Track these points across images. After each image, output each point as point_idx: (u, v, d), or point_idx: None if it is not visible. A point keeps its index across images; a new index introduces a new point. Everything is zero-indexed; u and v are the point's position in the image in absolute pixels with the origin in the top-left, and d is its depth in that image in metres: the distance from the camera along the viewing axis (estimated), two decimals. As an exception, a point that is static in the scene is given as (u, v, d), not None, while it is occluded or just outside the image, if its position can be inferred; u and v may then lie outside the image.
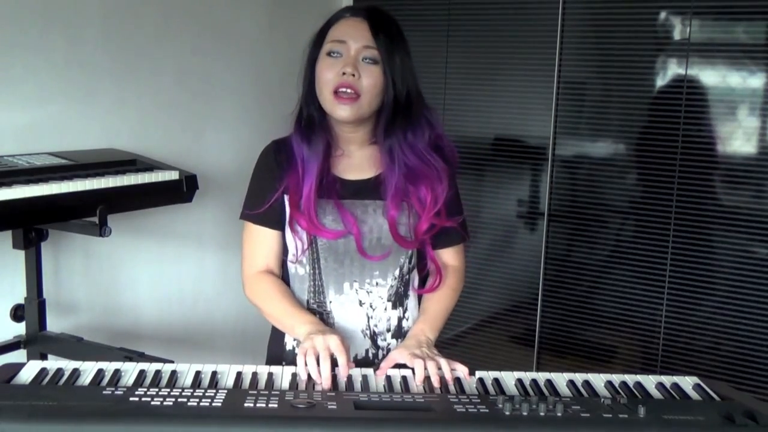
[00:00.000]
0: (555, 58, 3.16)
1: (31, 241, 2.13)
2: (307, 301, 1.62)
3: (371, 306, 1.62)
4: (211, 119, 2.95)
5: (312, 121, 1.58)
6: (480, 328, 3.47)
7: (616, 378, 1.41)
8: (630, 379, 1.41)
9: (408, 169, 1.57)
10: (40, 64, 2.29)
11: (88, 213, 2.03)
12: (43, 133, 2.31)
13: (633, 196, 3.11)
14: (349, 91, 1.50)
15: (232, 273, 3.10)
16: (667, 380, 1.40)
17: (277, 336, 1.68)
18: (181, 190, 2.29)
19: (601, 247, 3.21)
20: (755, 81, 2.85)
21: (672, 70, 2.98)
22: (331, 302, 1.61)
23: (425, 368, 1.39)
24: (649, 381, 1.41)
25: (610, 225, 3.19)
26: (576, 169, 3.23)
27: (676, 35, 2.97)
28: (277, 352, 1.67)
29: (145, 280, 2.74)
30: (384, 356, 1.61)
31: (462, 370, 1.42)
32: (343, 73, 1.50)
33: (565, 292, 3.28)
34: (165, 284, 2.83)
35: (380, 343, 1.63)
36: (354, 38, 1.52)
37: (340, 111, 1.52)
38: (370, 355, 1.63)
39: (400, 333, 1.64)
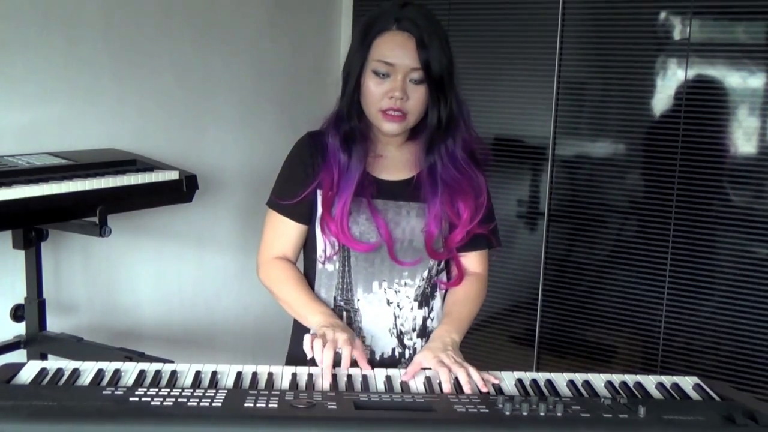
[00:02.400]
0: (555, 58, 3.16)
1: (31, 241, 2.13)
2: (335, 298, 1.63)
3: (398, 305, 1.62)
4: (211, 119, 2.95)
5: (354, 132, 1.58)
6: (480, 328, 3.47)
7: (616, 378, 1.41)
8: (630, 379, 1.41)
9: (447, 185, 1.58)
10: (40, 64, 2.29)
11: (88, 213, 2.03)
12: (43, 133, 2.31)
13: (633, 196, 3.11)
14: (397, 113, 1.52)
15: (232, 273, 3.10)
16: (667, 380, 1.41)
17: (299, 336, 1.67)
18: (181, 190, 2.29)
19: (601, 247, 3.21)
20: (755, 81, 2.85)
21: (672, 70, 2.97)
22: (359, 300, 1.61)
23: (451, 376, 1.37)
24: (649, 381, 1.41)
25: (610, 225, 3.19)
26: (576, 169, 3.23)
27: (676, 35, 2.97)
28: (299, 352, 1.67)
29: (145, 280, 2.74)
30: (411, 355, 1.62)
31: (489, 378, 1.39)
32: (391, 97, 1.51)
33: (565, 292, 3.28)
34: (165, 284, 2.83)
35: (406, 342, 1.63)
36: (401, 59, 1.50)
37: (387, 127, 1.55)
38: (397, 354, 1.63)
39: (425, 332, 1.65)
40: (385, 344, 1.61)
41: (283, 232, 1.64)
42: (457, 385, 1.37)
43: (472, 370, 1.39)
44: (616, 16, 3.06)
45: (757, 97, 2.84)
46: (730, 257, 2.94)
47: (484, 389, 1.35)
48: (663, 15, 2.98)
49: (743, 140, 2.88)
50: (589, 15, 3.14)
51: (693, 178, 2.95)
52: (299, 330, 1.68)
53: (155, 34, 2.67)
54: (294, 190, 1.59)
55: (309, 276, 1.67)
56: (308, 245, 1.66)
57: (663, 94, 3.01)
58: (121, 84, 2.55)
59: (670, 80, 2.98)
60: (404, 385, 1.37)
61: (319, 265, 1.64)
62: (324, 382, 1.34)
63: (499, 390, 1.36)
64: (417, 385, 1.38)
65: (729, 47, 2.87)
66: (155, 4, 2.66)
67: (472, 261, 1.69)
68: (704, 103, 2.93)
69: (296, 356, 1.67)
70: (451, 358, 1.43)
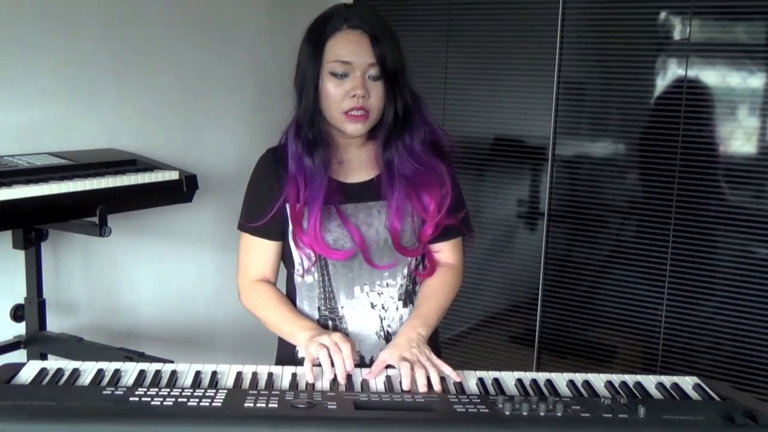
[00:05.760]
0: (555, 58, 3.16)
1: (31, 241, 2.13)
2: (319, 309, 1.62)
3: (383, 307, 1.61)
4: (211, 119, 2.95)
5: (315, 139, 1.56)
6: (480, 328, 3.47)
7: (616, 378, 1.41)
8: (630, 379, 1.41)
9: (408, 180, 1.57)
10: (40, 64, 2.29)
11: (88, 213, 2.03)
12: (43, 133, 2.31)
13: (633, 196, 3.11)
14: (361, 111, 1.51)
15: (232, 273, 3.08)
16: (667, 380, 1.41)
17: (285, 341, 1.67)
18: (181, 190, 2.29)
19: (601, 247, 3.21)
20: (755, 81, 2.85)
21: (672, 70, 2.97)
22: (343, 308, 1.60)
23: (413, 373, 1.37)
24: (649, 381, 1.41)
25: (610, 225, 3.19)
26: (576, 169, 3.23)
27: (676, 35, 2.97)
28: (287, 357, 1.67)
29: (145, 280, 2.74)
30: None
31: (451, 374, 1.39)
32: (353, 96, 1.50)
33: (565, 292, 3.28)
34: (165, 284, 2.83)
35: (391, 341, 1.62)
36: (358, 56, 1.50)
37: (351, 128, 1.53)
38: None
39: None
40: (374, 347, 1.60)
41: (259, 254, 1.62)
42: (456, 384, 1.37)
43: (432, 370, 1.37)
44: (616, 16, 3.06)
45: (757, 97, 2.84)
46: (730, 257, 2.94)
47: (437, 388, 1.34)
48: (663, 15, 2.98)
49: (743, 140, 2.88)
50: (589, 15, 3.14)
51: (693, 178, 2.95)
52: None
53: (155, 34, 2.67)
54: (263, 210, 1.58)
55: (290, 290, 1.66)
56: (285, 260, 1.65)
57: (663, 94, 3.01)
58: (121, 84, 2.55)
59: (670, 80, 2.98)
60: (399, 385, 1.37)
61: (299, 278, 1.63)
62: (340, 382, 1.36)
63: (499, 390, 1.36)
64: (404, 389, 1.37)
65: (729, 47, 2.87)
66: (155, 4, 2.66)
67: (444, 252, 1.68)
68: (704, 103, 2.93)
69: (284, 359, 1.67)
70: (414, 355, 1.42)
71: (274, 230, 1.60)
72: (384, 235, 1.58)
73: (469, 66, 3.37)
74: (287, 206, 1.58)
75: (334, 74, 1.51)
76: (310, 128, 1.55)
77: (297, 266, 1.61)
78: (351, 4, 1.55)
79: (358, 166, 1.62)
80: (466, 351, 3.47)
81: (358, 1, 1.54)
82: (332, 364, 1.38)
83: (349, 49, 1.50)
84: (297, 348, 1.65)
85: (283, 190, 1.57)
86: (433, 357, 1.43)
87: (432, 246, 1.65)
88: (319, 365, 1.39)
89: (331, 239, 1.56)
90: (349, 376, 1.38)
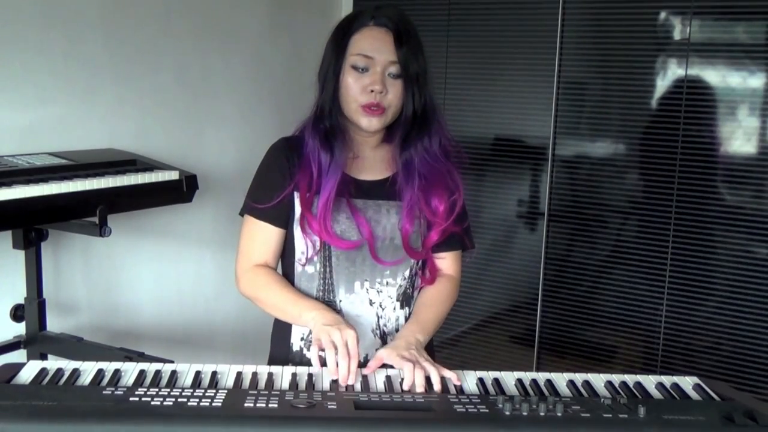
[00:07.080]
0: (555, 58, 3.16)
1: (31, 241, 2.13)
2: (316, 300, 1.62)
3: (381, 305, 1.62)
4: (211, 118, 2.95)
5: (334, 130, 1.58)
6: (480, 328, 3.47)
7: (616, 378, 1.41)
8: (630, 379, 1.41)
9: (426, 179, 1.59)
10: (40, 64, 2.29)
11: (88, 213, 2.03)
12: (43, 133, 2.31)
13: (633, 196, 3.11)
14: (376, 108, 1.53)
15: (231, 273, 3.09)
16: (667, 380, 1.41)
17: (280, 337, 1.67)
18: (181, 190, 2.29)
19: (601, 247, 3.21)
20: (755, 81, 2.85)
21: (672, 70, 2.98)
22: (341, 301, 1.61)
23: (414, 373, 1.37)
24: (649, 381, 1.41)
25: (610, 225, 3.19)
26: (576, 169, 3.23)
27: (676, 35, 2.97)
28: (282, 353, 1.67)
29: (145, 280, 2.74)
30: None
31: (451, 377, 1.40)
32: (371, 90, 1.52)
33: (565, 292, 3.28)
34: (165, 284, 2.83)
35: (389, 342, 1.62)
36: (380, 53, 1.53)
37: (366, 122, 1.56)
38: None
39: None
40: (369, 345, 1.60)
41: (262, 239, 1.62)
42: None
43: (432, 370, 1.38)
44: (616, 16, 3.06)
45: (757, 97, 2.84)
46: (730, 257, 2.94)
47: (437, 388, 1.35)
48: (663, 15, 2.98)
49: (743, 140, 2.88)
50: (589, 15, 3.14)
51: (693, 178, 2.95)
52: (280, 332, 1.68)
53: (155, 33, 2.67)
54: (271, 194, 1.58)
55: (288, 280, 1.66)
56: (287, 249, 1.65)
57: (663, 95, 3.01)
58: (121, 84, 2.55)
59: (670, 80, 2.99)
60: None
61: (299, 268, 1.62)
62: (347, 383, 1.35)
63: (499, 390, 1.36)
64: (405, 389, 1.37)
65: (729, 47, 2.87)
66: (155, 4, 2.66)
67: (446, 262, 1.69)
68: (704, 103, 2.93)
69: (279, 357, 1.67)
70: (413, 356, 1.42)
71: (280, 216, 1.61)
72: (391, 233, 1.59)
73: (469, 66, 3.37)
74: (296, 194, 1.59)
75: (355, 67, 1.54)
76: (329, 118, 1.58)
77: (299, 255, 1.61)
78: (381, 4, 1.58)
79: (372, 165, 1.64)
80: (466, 351, 3.47)
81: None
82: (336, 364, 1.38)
83: (372, 45, 1.53)
84: (292, 345, 1.65)
85: (294, 178, 1.58)
86: (429, 363, 1.43)
87: (435, 254, 1.67)
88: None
89: (339, 230, 1.57)
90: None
